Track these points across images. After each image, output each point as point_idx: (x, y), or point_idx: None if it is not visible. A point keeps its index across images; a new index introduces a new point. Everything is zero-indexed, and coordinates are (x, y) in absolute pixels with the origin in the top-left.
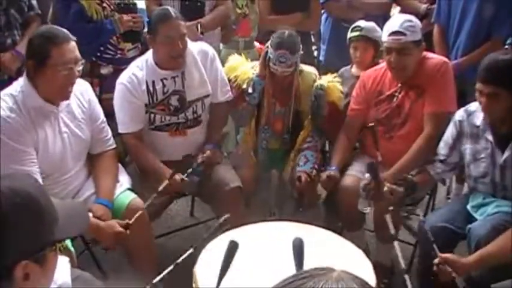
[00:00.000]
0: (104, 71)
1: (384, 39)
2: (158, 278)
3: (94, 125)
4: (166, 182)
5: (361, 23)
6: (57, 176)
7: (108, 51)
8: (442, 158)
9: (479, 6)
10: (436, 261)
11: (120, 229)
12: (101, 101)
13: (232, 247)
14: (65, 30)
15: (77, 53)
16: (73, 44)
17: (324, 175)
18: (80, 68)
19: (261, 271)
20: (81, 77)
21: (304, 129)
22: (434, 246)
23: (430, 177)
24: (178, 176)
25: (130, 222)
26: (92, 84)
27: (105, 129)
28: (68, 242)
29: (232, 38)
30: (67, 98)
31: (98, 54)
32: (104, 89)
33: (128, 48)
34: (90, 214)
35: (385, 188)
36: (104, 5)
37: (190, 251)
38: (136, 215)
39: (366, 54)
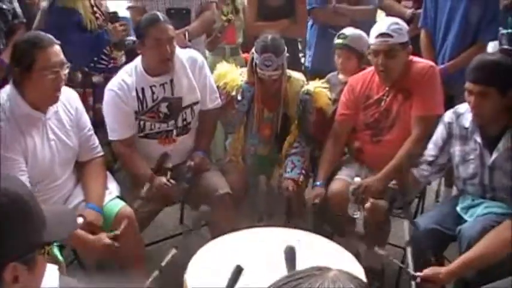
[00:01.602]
0: (95, 79)
1: (371, 42)
2: (146, 285)
3: (81, 132)
4: (147, 185)
5: (347, 30)
6: (45, 184)
7: (101, 61)
8: (430, 159)
9: (466, 10)
10: (418, 280)
11: (109, 241)
12: (94, 111)
13: (237, 271)
14: (49, 35)
15: (62, 57)
16: (57, 47)
17: (311, 198)
18: (66, 71)
19: (252, 277)
20: (74, 87)
21: (291, 135)
22: (410, 265)
23: (416, 181)
24: (161, 179)
25: (119, 232)
26: (85, 94)
27: (93, 137)
28: (57, 251)
29: (218, 45)
30: (55, 101)
31: (92, 64)
32: (97, 98)
33: (119, 57)
34: (81, 219)
35: (367, 204)
36: (97, 15)
37: (173, 252)
38: (123, 225)
39: (348, 63)
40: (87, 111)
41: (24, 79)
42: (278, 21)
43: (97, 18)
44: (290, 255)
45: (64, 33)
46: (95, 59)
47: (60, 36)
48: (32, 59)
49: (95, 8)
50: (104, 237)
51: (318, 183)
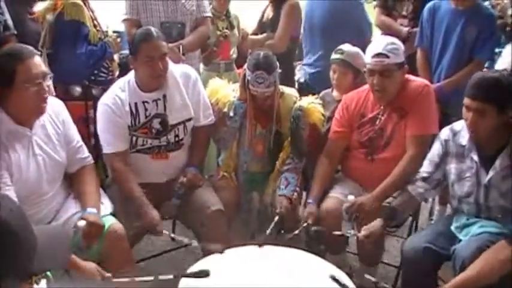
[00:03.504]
0: (95, 92)
1: (367, 61)
2: None
3: (70, 145)
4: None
5: (345, 46)
6: (32, 199)
7: (101, 73)
8: (425, 175)
9: (462, 29)
10: None
11: (99, 279)
12: (95, 123)
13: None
14: (28, 46)
15: (44, 68)
16: (38, 58)
17: (304, 216)
18: (49, 82)
19: None
20: (75, 100)
21: (284, 151)
22: None
23: (411, 199)
24: (154, 216)
25: (112, 279)
26: (86, 106)
27: (82, 149)
28: None
29: (213, 61)
30: (42, 113)
31: (92, 77)
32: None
33: (116, 69)
34: (84, 222)
35: (362, 233)
36: (98, 28)
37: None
38: (123, 280)
39: (344, 79)
40: (89, 123)
41: (6, 93)
42: (257, 36)
43: (97, 30)
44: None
45: (74, 45)
46: (96, 71)
47: (70, 48)
48: (12, 72)
49: (95, 21)
50: (95, 271)
51: (310, 201)
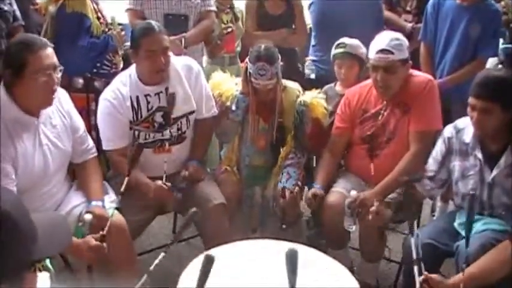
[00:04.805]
0: (98, 84)
1: (370, 57)
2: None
3: (76, 135)
4: (125, 180)
5: (345, 39)
6: (37, 190)
7: (104, 66)
8: (430, 174)
9: (467, 26)
10: (420, 279)
11: (96, 243)
12: (97, 115)
13: (208, 261)
14: (41, 38)
15: (55, 60)
16: (50, 50)
17: (309, 194)
18: (59, 74)
19: None
20: (77, 92)
21: (287, 145)
22: (422, 264)
23: (418, 195)
24: (159, 182)
25: (104, 232)
26: (88, 99)
27: (87, 138)
28: (47, 261)
29: (217, 54)
30: (49, 104)
31: (95, 70)
32: None
33: (119, 62)
34: (90, 216)
35: (372, 208)
36: (101, 20)
37: (161, 256)
38: (107, 224)
39: (351, 72)
40: (90, 116)
41: (15, 82)
42: (276, 31)
43: (101, 23)
44: (292, 258)
45: (75, 38)
46: (98, 64)
47: (71, 41)
48: (23, 61)
49: (99, 13)
50: (91, 240)
51: (317, 186)
